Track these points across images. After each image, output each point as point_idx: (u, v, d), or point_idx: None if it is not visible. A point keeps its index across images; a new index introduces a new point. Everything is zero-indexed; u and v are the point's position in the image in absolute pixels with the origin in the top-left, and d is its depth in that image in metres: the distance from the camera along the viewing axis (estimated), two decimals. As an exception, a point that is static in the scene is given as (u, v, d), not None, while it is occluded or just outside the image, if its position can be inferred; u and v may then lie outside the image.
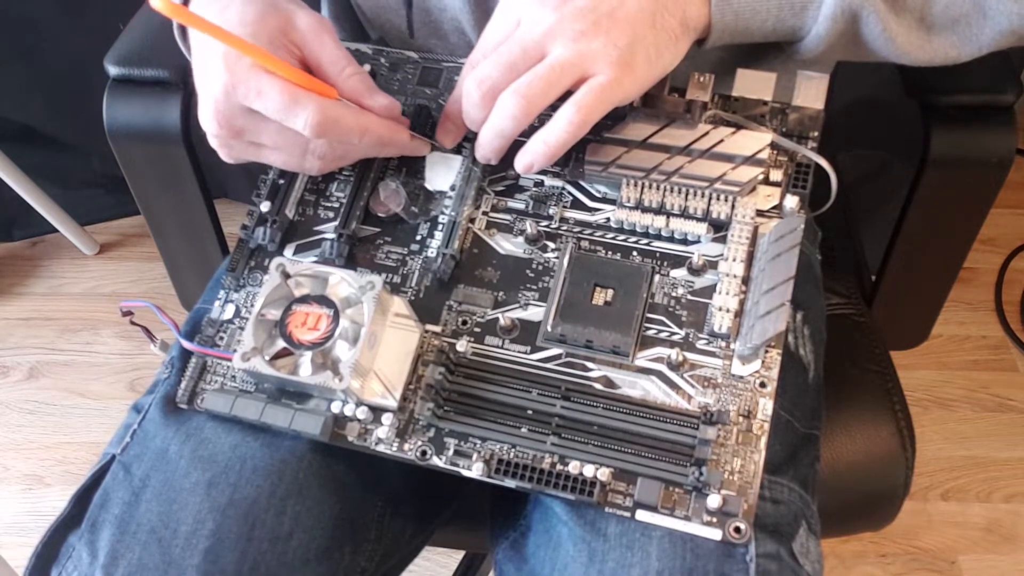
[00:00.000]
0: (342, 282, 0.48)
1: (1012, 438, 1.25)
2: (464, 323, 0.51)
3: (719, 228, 0.51)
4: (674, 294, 0.50)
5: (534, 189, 0.54)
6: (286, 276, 0.48)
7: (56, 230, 1.42)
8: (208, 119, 0.49)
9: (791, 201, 0.51)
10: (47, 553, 0.50)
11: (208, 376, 0.52)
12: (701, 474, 0.45)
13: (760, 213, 0.51)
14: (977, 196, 0.66)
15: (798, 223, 0.48)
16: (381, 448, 0.48)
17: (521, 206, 0.54)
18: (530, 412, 0.48)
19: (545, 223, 0.53)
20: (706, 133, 0.52)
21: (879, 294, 0.74)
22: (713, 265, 0.50)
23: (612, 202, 0.53)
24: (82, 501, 0.51)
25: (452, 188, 0.55)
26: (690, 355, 0.49)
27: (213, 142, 0.51)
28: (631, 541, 0.46)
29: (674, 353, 0.48)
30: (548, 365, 0.49)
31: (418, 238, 0.54)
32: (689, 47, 0.50)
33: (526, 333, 0.50)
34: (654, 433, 0.47)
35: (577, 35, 0.47)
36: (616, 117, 0.52)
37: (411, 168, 0.56)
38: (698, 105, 0.53)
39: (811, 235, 0.68)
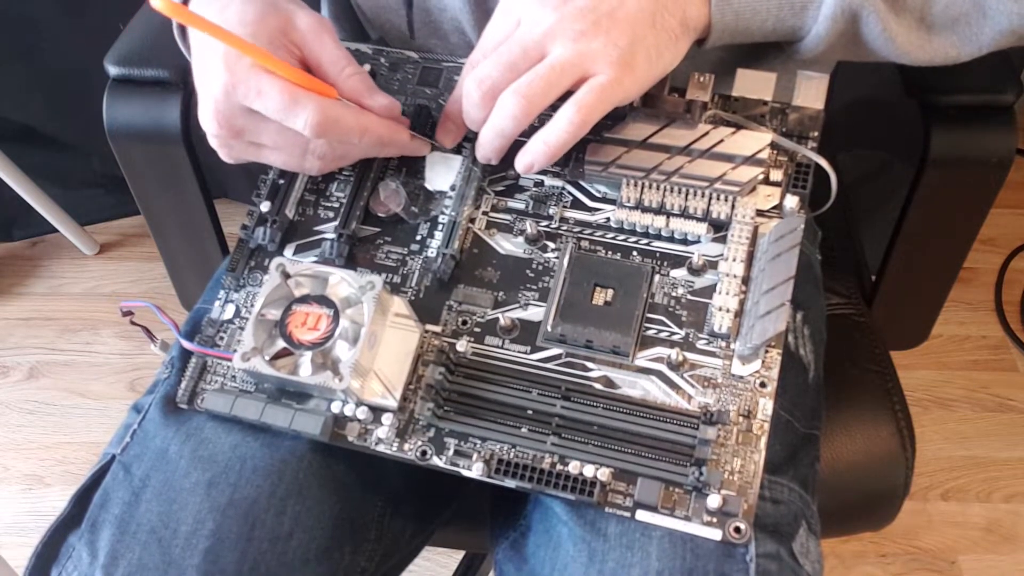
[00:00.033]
0: (342, 282, 0.48)
1: (1012, 438, 1.25)
2: (464, 323, 0.51)
3: (719, 228, 0.51)
4: (674, 294, 0.50)
5: (534, 189, 0.54)
6: (286, 276, 0.48)
7: (56, 230, 1.42)
8: (208, 119, 0.49)
9: (791, 201, 0.51)
10: (47, 553, 0.50)
11: (208, 376, 0.52)
12: (701, 474, 0.45)
13: (760, 213, 0.51)
14: (977, 196, 0.66)
15: (798, 223, 0.48)
16: (381, 448, 0.48)
17: (521, 206, 0.54)
18: (530, 412, 0.48)
19: (545, 223, 0.53)
20: (706, 133, 0.52)
21: (879, 294, 0.74)
22: (713, 265, 0.50)
23: (612, 202, 0.53)
24: (82, 501, 0.51)
25: (452, 188, 0.55)
26: (690, 355, 0.49)
27: (213, 142, 0.51)
28: (631, 541, 0.46)
29: (674, 353, 0.48)
30: (548, 365, 0.49)
31: (418, 238, 0.54)
32: (689, 47, 0.50)
33: (526, 333, 0.50)
34: (654, 433, 0.47)
35: (577, 35, 0.47)
36: (616, 117, 0.52)
37: (411, 168, 0.56)
38: (698, 105, 0.53)
39: (811, 235, 0.68)
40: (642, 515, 0.46)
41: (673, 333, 0.49)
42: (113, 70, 0.66)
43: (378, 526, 0.56)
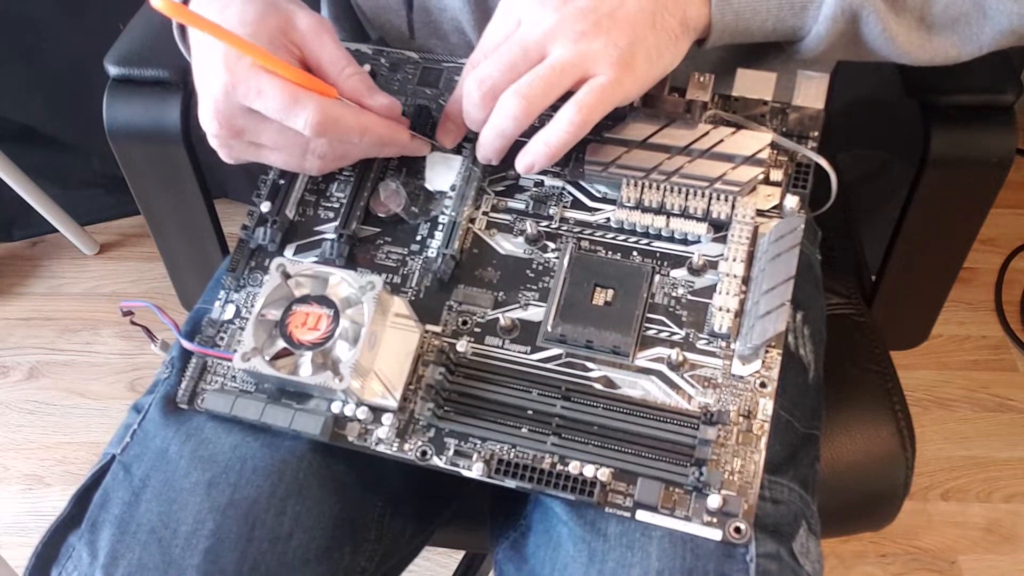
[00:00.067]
0: (342, 282, 0.48)
1: (1012, 438, 1.25)
2: (464, 323, 0.51)
3: (719, 228, 0.51)
4: (674, 294, 0.50)
5: (534, 189, 0.54)
6: (286, 276, 0.48)
7: (56, 230, 1.42)
8: (208, 119, 0.49)
9: (791, 201, 0.51)
10: (47, 553, 0.50)
11: (208, 376, 0.52)
12: (701, 474, 0.45)
13: (760, 213, 0.51)
14: (977, 196, 0.66)
15: (798, 223, 0.48)
16: (381, 448, 0.48)
17: (521, 206, 0.54)
18: (530, 412, 0.48)
19: (545, 223, 0.53)
20: (706, 133, 0.52)
21: (879, 294, 0.74)
22: (713, 265, 0.50)
23: (612, 202, 0.53)
24: (82, 501, 0.51)
25: (452, 188, 0.55)
26: (690, 355, 0.49)
27: (213, 142, 0.51)
28: (631, 541, 0.46)
29: (674, 353, 0.48)
30: (548, 365, 0.49)
31: (418, 238, 0.54)
32: (689, 47, 0.50)
33: (526, 333, 0.50)
34: (654, 433, 0.47)
35: (577, 36, 0.47)
36: (616, 117, 0.52)
37: (411, 168, 0.56)
38: (698, 105, 0.53)
39: (811, 235, 0.68)
40: (642, 515, 0.46)
41: (673, 333, 0.49)
42: (113, 70, 0.66)
43: (378, 526, 0.56)
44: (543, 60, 0.47)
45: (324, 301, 0.48)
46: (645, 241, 0.52)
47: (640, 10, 0.47)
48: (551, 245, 0.53)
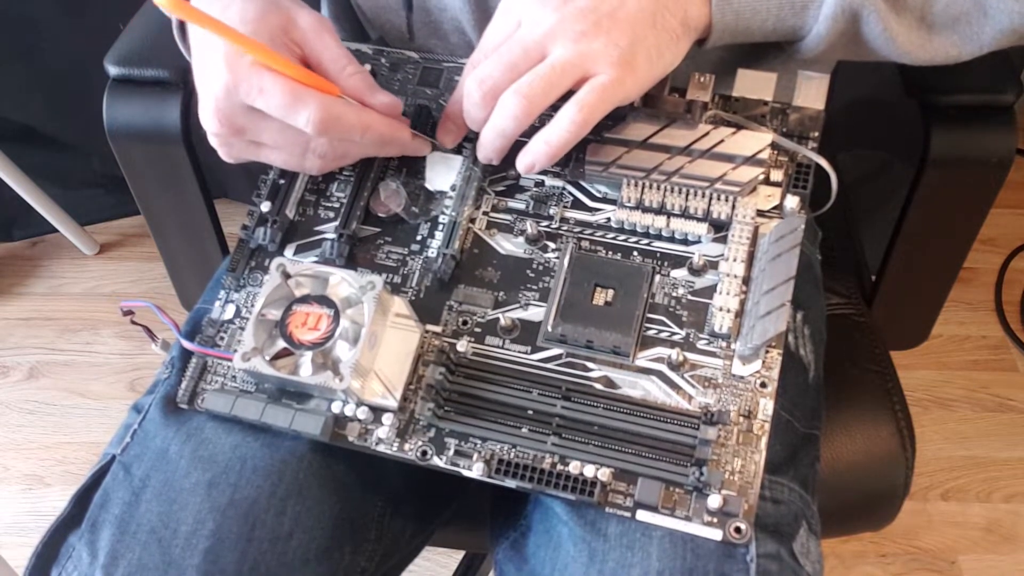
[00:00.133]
0: (342, 282, 0.48)
1: (1012, 438, 1.25)
2: (464, 323, 0.51)
3: (719, 228, 0.51)
4: (674, 294, 0.50)
5: (534, 189, 0.54)
6: (286, 276, 0.48)
7: (56, 230, 1.42)
8: (209, 118, 0.49)
9: (791, 201, 0.51)
10: (47, 553, 0.50)
11: (208, 376, 0.52)
12: (702, 474, 0.45)
13: (760, 213, 0.51)
14: (977, 196, 0.66)
15: (798, 223, 0.48)
16: (381, 448, 0.48)
17: (521, 206, 0.54)
18: (530, 412, 0.48)
19: (545, 223, 0.53)
20: (706, 133, 0.52)
21: (879, 294, 0.74)
22: (713, 265, 0.50)
23: (612, 202, 0.53)
24: (82, 501, 0.51)
25: (452, 188, 0.55)
26: (691, 355, 0.49)
27: (213, 141, 0.51)
28: (631, 541, 0.46)
29: (674, 353, 0.48)
30: (548, 365, 0.49)
31: (418, 238, 0.54)
32: (690, 47, 0.50)
33: (526, 333, 0.50)
34: (654, 433, 0.47)
35: (578, 35, 0.47)
36: (616, 117, 0.52)
37: (411, 168, 0.56)
38: (698, 105, 0.53)
39: (811, 235, 0.68)
40: (642, 515, 0.46)
41: (674, 333, 0.49)
42: (113, 70, 0.66)
43: (378, 526, 0.56)
44: (544, 60, 0.47)
45: (324, 301, 0.48)
46: (645, 241, 0.52)
47: (640, 10, 0.47)
48: (551, 245, 0.53)
